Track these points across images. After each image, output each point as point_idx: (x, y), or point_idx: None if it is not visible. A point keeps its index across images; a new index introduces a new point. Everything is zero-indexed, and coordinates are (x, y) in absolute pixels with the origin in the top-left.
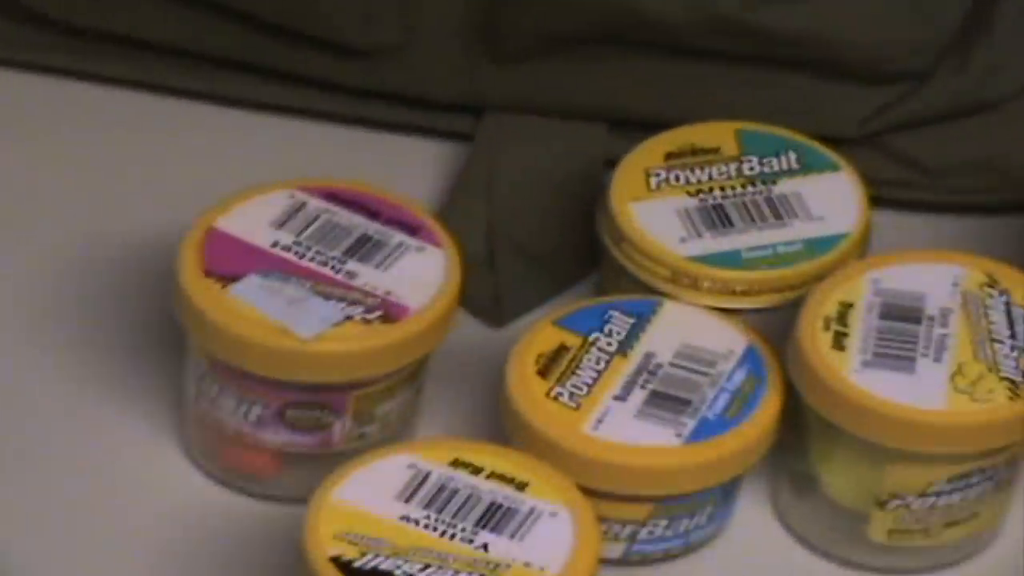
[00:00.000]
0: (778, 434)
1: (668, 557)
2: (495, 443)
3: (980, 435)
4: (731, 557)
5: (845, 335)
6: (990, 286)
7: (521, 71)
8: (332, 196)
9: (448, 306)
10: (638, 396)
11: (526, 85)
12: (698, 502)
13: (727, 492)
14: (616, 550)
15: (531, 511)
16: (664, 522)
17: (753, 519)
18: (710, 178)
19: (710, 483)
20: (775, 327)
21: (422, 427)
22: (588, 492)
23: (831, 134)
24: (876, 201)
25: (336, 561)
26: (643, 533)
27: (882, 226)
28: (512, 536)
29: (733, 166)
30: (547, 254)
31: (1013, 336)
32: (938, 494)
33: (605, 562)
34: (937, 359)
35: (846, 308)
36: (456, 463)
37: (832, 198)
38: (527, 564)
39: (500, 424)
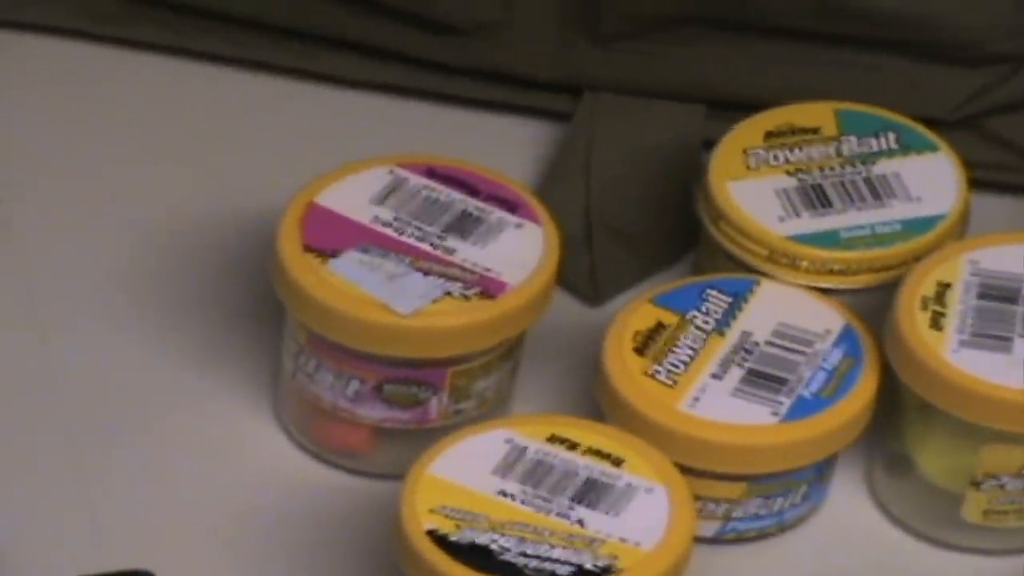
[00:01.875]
0: (874, 414)
1: (762, 536)
2: (592, 420)
3: None
4: (825, 537)
5: (942, 315)
6: None
7: (620, 51)
8: (432, 173)
9: (546, 283)
10: (735, 374)
11: (624, 65)
12: (792, 481)
13: (822, 472)
14: (710, 528)
15: (627, 487)
16: (758, 501)
17: (847, 499)
18: (809, 158)
19: (805, 462)
20: (872, 307)
21: (517, 404)
22: (683, 470)
23: (928, 115)
24: (973, 184)
25: (432, 535)
26: (737, 511)
27: (979, 208)
28: (607, 512)
29: (832, 146)
30: (644, 234)
31: None
32: None
33: (699, 540)
34: None
35: (944, 288)
36: (553, 439)
37: (931, 179)
38: (622, 539)
39: (596, 402)
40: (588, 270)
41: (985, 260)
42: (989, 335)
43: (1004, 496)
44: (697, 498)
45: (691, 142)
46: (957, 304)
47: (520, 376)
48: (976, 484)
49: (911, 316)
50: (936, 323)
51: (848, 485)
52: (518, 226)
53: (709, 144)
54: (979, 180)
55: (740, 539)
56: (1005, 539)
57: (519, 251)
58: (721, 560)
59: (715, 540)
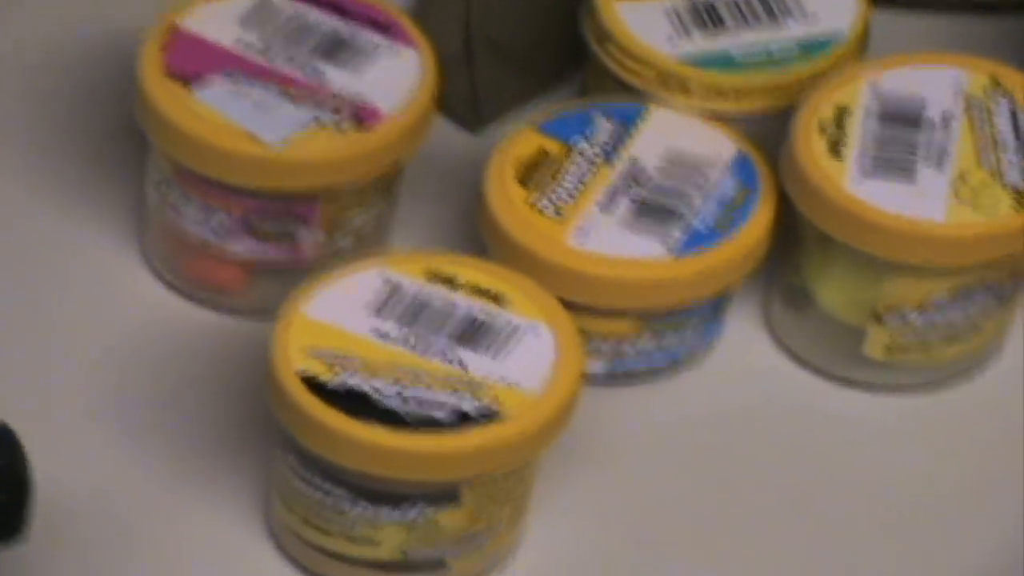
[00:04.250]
0: (771, 247)
1: (654, 374)
2: (473, 256)
3: (983, 246)
4: (720, 374)
5: (842, 142)
6: (995, 90)
7: None
8: None
9: (423, 110)
10: (624, 206)
11: None
12: (686, 317)
13: (716, 307)
14: (600, 366)
15: (510, 326)
16: (650, 338)
17: (743, 336)
18: None
19: (699, 297)
20: (768, 134)
21: (397, 241)
22: (570, 307)
23: None
24: (877, 0)
25: (305, 377)
26: (628, 349)
27: (881, 26)
28: (490, 352)
29: None
30: (527, 52)
31: (1019, 143)
32: (938, 308)
33: (588, 379)
34: (938, 167)
35: (843, 113)
36: (431, 275)
37: None
38: (505, 381)
39: (479, 237)
40: (468, 91)
41: (887, 82)
42: (891, 162)
43: (907, 330)
44: (587, 336)
45: None
46: (857, 129)
47: (399, 211)
48: (878, 318)
49: (808, 142)
50: (835, 150)
51: (745, 321)
52: (392, 50)
53: None
54: None
55: (631, 378)
56: (907, 375)
57: (394, 76)
58: (611, 400)
59: (606, 379)
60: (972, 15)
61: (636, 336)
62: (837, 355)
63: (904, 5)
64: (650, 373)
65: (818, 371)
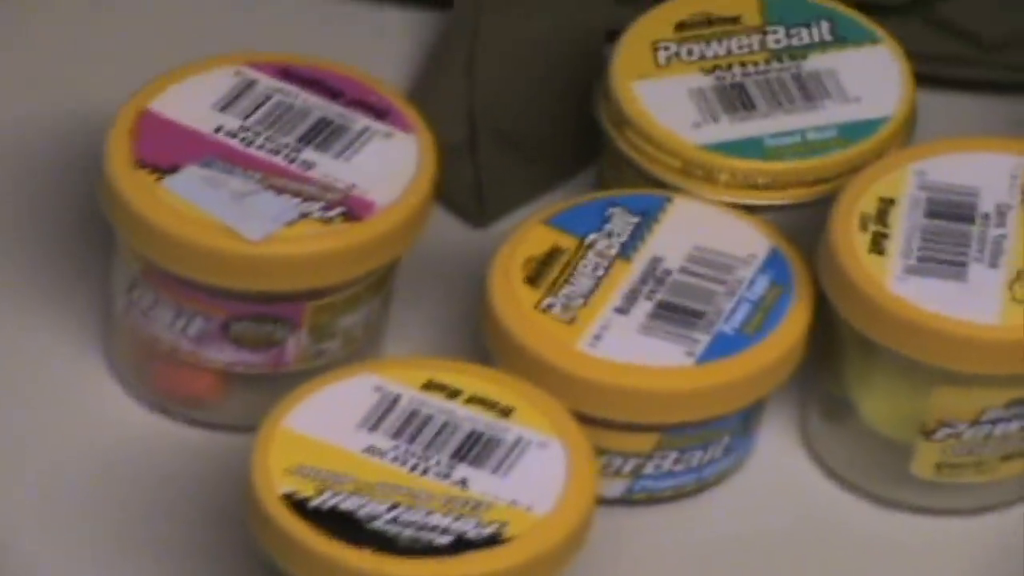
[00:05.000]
0: (807, 352)
1: (678, 496)
2: (476, 363)
3: None
4: (752, 495)
5: (885, 236)
6: None
7: None
8: (285, 73)
9: (420, 202)
10: (643, 308)
11: None
12: (713, 432)
13: (747, 420)
14: (617, 487)
15: (517, 441)
16: (673, 455)
17: (778, 452)
18: (728, 52)
19: (727, 409)
20: (804, 227)
21: (391, 345)
22: (584, 420)
23: (870, 1)
24: (922, 80)
25: (289, 499)
26: (649, 468)
27: (929, 109)
28: (495, 470)
29: (756, 38)
30: (538, 142)
31: None
32: (994, 422)
33: (605, 502)
34: (992, 264)
35: (886, 205)
36: (430, 385)
37: (871, 76)
38: (512, 502)
39: (482, 342)
40: (472, 184)
41: (935, 170)
42: (940, 260)
43: (959, 447)
44: (601, 453)
45: (593, 33)
46: (902, 223)
47: (394, 312)
48: (927, 433)
49: (849, 237)
50: (878, 246)
51: (779, 435)
52: (387, 135)
53: (614, 35)
54: (926, 75)
55: (653, 500)
56: (960, 497)
57: (389, 164)
58: (631, 524)
59: (624, 501)
60: None
61: (657, 453)
62: (881, 473)
63: (954, 86)
64: (674, 494)
65: (859, 490)
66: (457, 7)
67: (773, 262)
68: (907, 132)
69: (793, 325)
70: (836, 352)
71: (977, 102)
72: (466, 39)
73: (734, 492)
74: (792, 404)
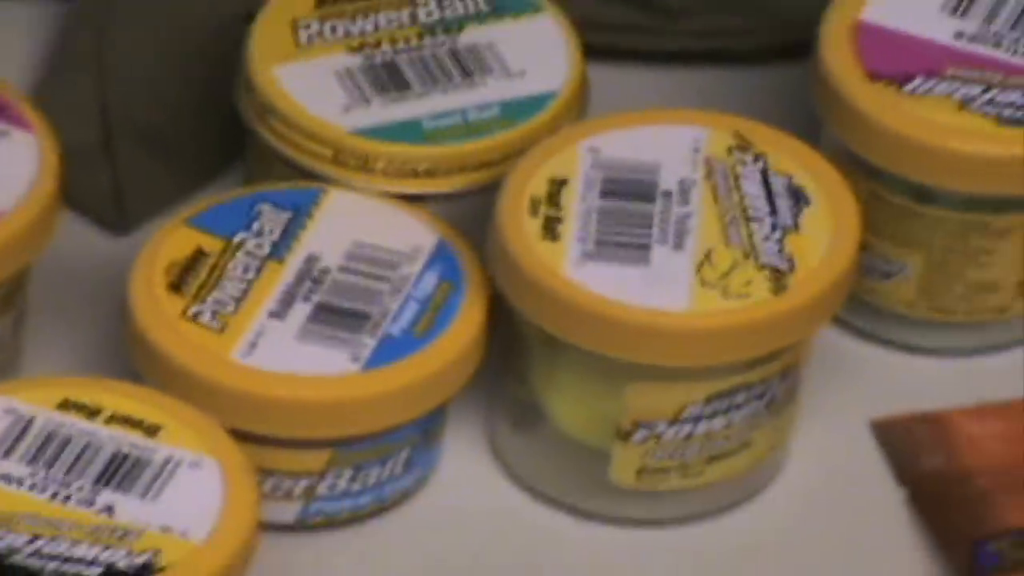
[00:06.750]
0: (488, 354)
1: (358, 518)
2: (124, 381)
3: (738, 341)
4: (439, 515)
5: (559, 220)
6: (740, 149)
7: None
8: None
9: (44, 207)
10: (301, 311)
11: None
12: (390, 444)
13: (428, 431)
14: (290, 511)
15: (166, 462)
16: (348, 473)
17: (466, 465)
18: (376, 28)
19: (401, 419)
20: (473, 217)
21: (27, 366)
22: (244, 437)
23: None
24: (593, 51)
25: None
26: (322, 488)
27: (606, 83)
28: (143, 494)
29: (405, 12)
30: (181, 138)
31: (774, 212)
32: (695, 419)
33: (278, 527)
34: (678, 246)
35: (558, 186)
36: (66, 405)
37: (534, 48)
38: (165, 528)
39: (127, 356)
40: (110, 187)
41: (609, 147)
42: (620, 243)
43: (660, 449)
44: (267, 473)
45: (230, 18)
46: (576, 205)
47: (35, 330)
48: (623, 435)
49: (518, 223)
50: (551, 231)
51: (466, 447)
52: (3, 135)
53: (252, 18)
54: (596, 46)
55: (332, 523)
56: (665, 505)
57: (5, 167)
58: (308, 552)
59: (299, 526)
60: (711, 67)
61: (330, 471)
62: (578, 482)
63: (627, 57)
64: (353, 516)
65: (556, 503)
66: None
67: (441, 256)
68: (579, 108)
69: (466, 324)
70: (519, 352)
71: (654, 73)
72: (94, 28)
73: (420, 512)
74: (478, 412)
